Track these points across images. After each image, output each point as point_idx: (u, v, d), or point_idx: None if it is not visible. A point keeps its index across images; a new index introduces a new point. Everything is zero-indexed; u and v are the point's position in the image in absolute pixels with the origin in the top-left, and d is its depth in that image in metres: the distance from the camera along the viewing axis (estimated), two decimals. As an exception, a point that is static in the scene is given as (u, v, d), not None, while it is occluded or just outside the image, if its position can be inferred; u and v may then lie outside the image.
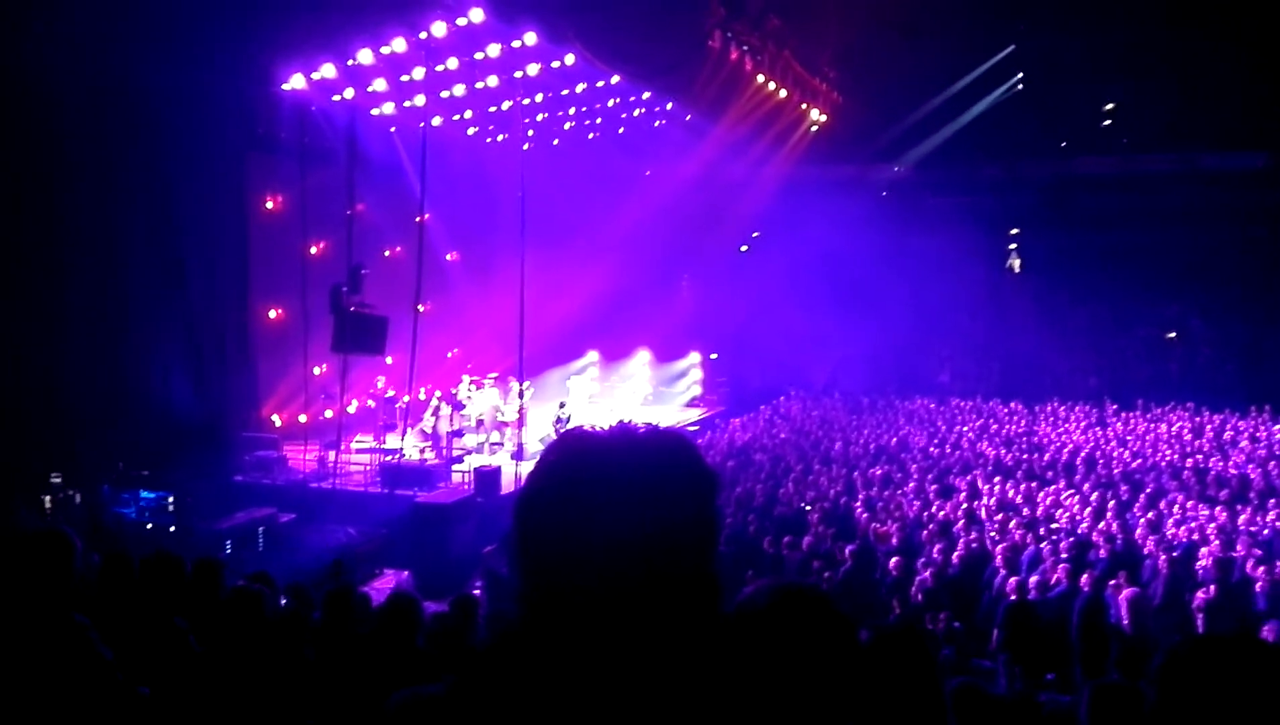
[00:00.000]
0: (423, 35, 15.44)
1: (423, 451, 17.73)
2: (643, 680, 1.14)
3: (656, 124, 22.39)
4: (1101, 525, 12.38)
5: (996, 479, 15.46)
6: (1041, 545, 11.57)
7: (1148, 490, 14.66)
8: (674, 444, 1.24)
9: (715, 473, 1.25)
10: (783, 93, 21.91)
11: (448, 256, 22.89)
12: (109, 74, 13.82)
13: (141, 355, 15.65)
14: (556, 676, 1.14)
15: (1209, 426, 20.47)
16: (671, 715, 1.14)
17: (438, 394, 19.47)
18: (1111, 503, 13.70)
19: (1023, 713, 4.36)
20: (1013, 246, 30.13)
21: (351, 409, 19.05)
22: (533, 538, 1.19)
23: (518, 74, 17.35)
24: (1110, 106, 28.08)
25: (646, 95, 20.25)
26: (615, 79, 18.46)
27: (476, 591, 10.78)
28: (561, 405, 19.52)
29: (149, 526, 13.27)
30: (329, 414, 18.25)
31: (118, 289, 15.02)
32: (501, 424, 19.40)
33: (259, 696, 3.81)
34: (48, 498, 12.82)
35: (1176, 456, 17.39)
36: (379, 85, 17.16)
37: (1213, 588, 9.77)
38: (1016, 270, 29.84)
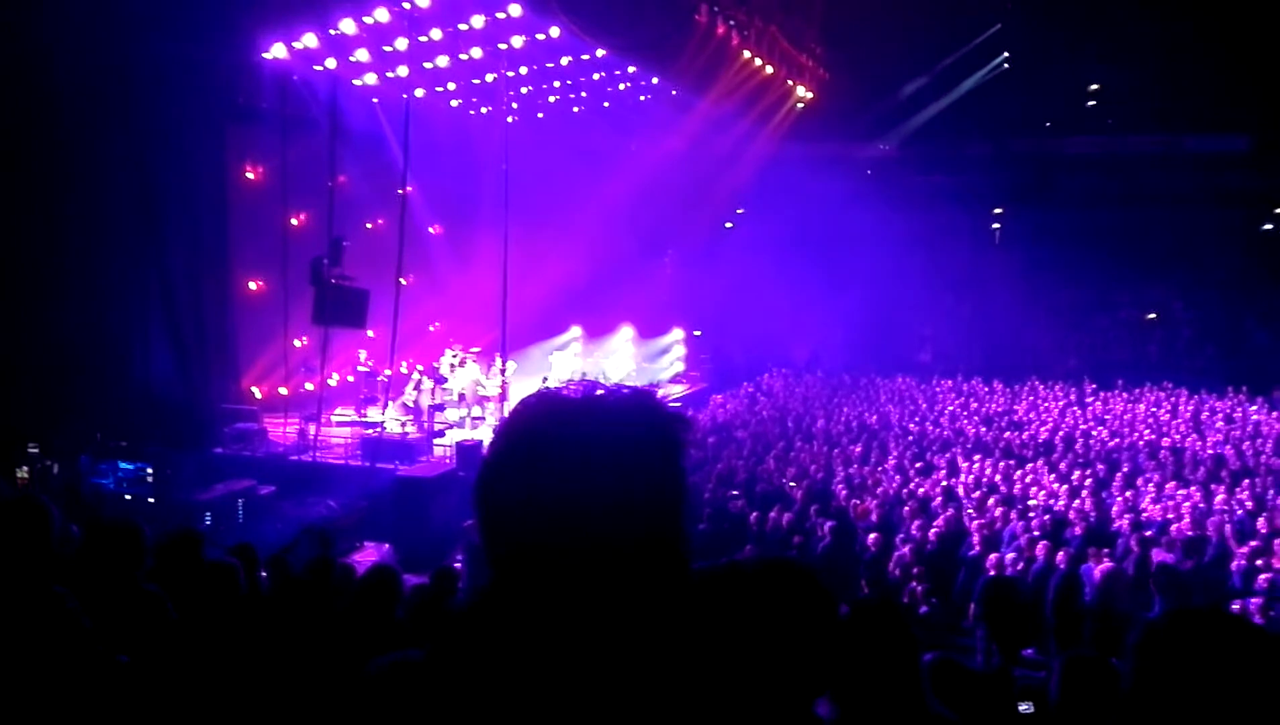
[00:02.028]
0: (406, 5, 15.26)
1: (404, 425, 17.69)
2: (613, 640, 1.13)
3: (641, 99, 22.23)
4: (1077, 503, 12.52)
5: (976, 457, 15.60)
6: (1018, 522, 11.70)
7: (1124, 469, 14.83)
8: (639, 402, 1.22)
9: (680, 431, 1.23)
10: (769, 69, 21.80)
11: (430, 229, 22.74)
12: (89, 43, 13.61)
13: (121, 326, 15.52)
14: (527, 638, 1.13)
15: (1185, 407, 20.69)
16: (644, 674, 1.14)
17: (419, 368, 19.41)
18: (1088, 481, 13.85)
19: (999, 686, 4.41)
20: (996, 226, 30.24)
21: (332, 382, 18.96)
22: (498, 497, 1.18)
23: (502, 46, 17.16)
24: (1095, 87, 28.13)
25: (632, 69, 20.09)
26: (600, 52, 18.31)
27: (458, 564, 10.81)
28: (544, 380, 19.51)
29: (127, 498, 13.20)
30: (310, 387, 18.17)
31: (96, 259, 14.86)
32: (483, 398, 19.38)
33: (236, 665, 3.80)
34: (25, 468, 12.71)
35: (1153, 436, 17.57)
36: (361, 55, 16.95)
37: (1185, 564, 9.91)
38: (997, 241, 29.97)
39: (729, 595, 1.82)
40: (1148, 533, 11.11)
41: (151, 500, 13.16)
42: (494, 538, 1.18)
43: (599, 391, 1.23)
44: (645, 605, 1.16)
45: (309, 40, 16.05)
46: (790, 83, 23.53)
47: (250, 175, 18.20)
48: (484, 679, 1.14)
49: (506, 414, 1.25)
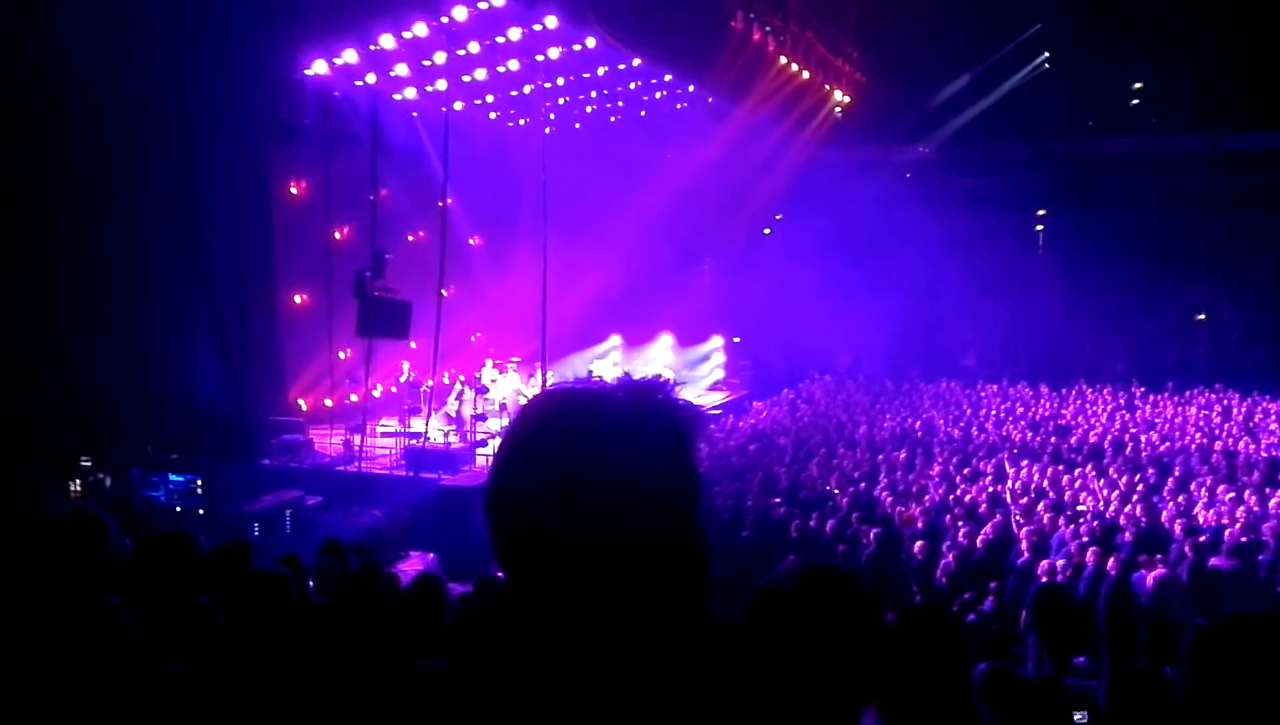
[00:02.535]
0: (444, 19, 15.43)
1: (447, 435, 17.82)
2: (628, 640, 1.12)
3: (678, 107, 22.27)
4: (1128, 509, 12.28)
5: (1023, 462, 15.37)
6: (1067, 529, 11.50)
7: (1176, 473, 14.53)
8: (647, 395, 1.21)
9: (689, 421, 1.21)
10: (805, 74, 21.74)
11: (470, 241, 22.92)
12: (133, 64, 13.88)
13: (169, 341, 15.80)
14: (541, 639, 1.12)
15: (1238, 409, 20.24)
16: (659, 675, 1.12)
17: (461, 378, 19.54)
18: (1139, 486, 13.59)
19: (1050, 695, 4.34)
20: (1039, 228, 29.84)
21: (376, 393, 19.16)
22: (505, 493, 1.17)
23: (539, 57, 17.30)
24: (1137, 86, 27.69)
25: (668, 78, 20.13)
26: (636, 62, 18.37)
27: (501, 573, 10.85)
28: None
29: (178, 509, 13.42)
30: (354, 398, 18.38)
31: (144, 276, 15.13)
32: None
33: (287, 675, 3.85)
34: (77, 481, 12.99)
35: (1205, 439, 17.21)
36: (401, 70, 17.17)
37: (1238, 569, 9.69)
38: (1040, 242, 29.58)
39: (774, 603, 1.81)
40: (1201, 538, 10.87)
41: (201, 512, 13.37)
42: (502, 536, 1.18)
43: (608, 386, 1.22)
44: (659, 601, 1.14)
45: (349, 56, 16.29)
46: (827, 87, 23.45)
47: (294, 190, 18.48)
48: (503, 681, 1.13)
49: (517, 413, 1.24)
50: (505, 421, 19.04)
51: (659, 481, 1.15)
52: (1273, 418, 19.30)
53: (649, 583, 1.14)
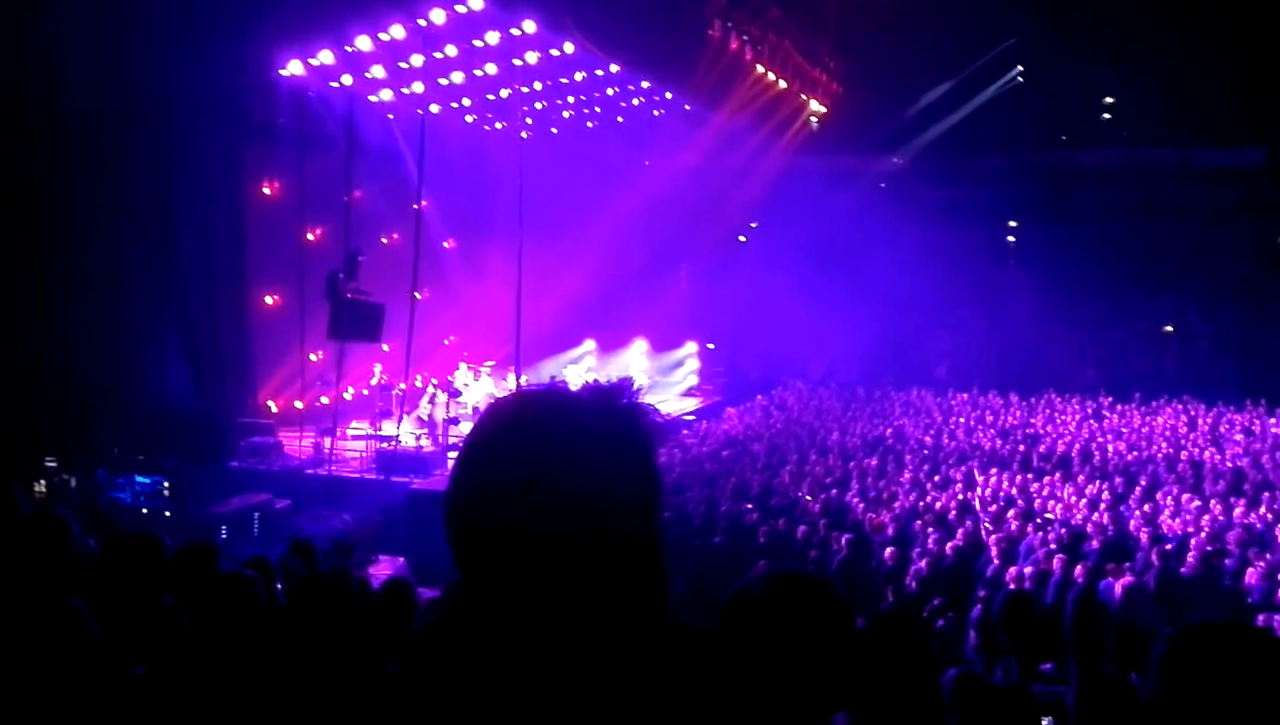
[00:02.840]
0: (421, 22, 15.37)
1: (418, 438, 17.72)
2: (586, 643, 1.11)
3: (656, 113, 22.30)
4: (1095, 517, 12.41)
5: (992, 470, 15.50)
6: (1035, 536, 11.61)
7: (1143, 483, 14.71)
8: (614, 399, 1.20)
9: (654, 427, 1.20)
10: (782, 83, 21.84)
11: (445, 244, 22.83)
12: (106, 62, 13.74)
13: (137, 340, 15.62)
14: (499, 645, 1.11)
15: (1204, 420, 20.52)
16: (621, 681, 1.11)
17: (434, 381, 19.45)
18: (1106, 495, 13.74)
19: (1018, 702, 4.38)
20: (1011, 239, 30.15)
21: (348, 396, 19.03)
22: (470, 494, 1.16)
23: (516, 62, 17.27)
24: (1110, 100, 28.06)
25: (646, 84, 20.17)
26: (614, 68, 18.39)
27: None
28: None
29: (144, 511, 13.26)
30: (325, 400, 18.23)
31: (114, 274, 14.97)
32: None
33: (252, 677, 3.80)
34: (42, 482, 12.79)
35: (1172, 449, 17.43)
36: (377, 72, 17.08)
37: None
38: (1012, 253, 29.90)
39: (746, 608, 1.81)
40: (1168, 546, 11.00)
41: (168, 514, 13.21)
42: (461, 537, 1.16)
43: (570, 391, 1.21)
44: (618, 604, 1.13)
45: (325, 57, 16.18)
46: (804, 97, 23.58)
47: (266, 191, 18.32)
48: (462, 684, 1.12)
49: (479, 416, 1.24)
50: (478, 425, 18.97)
51: (621, 484, 1.14)
52: (1238, 428, 19.59)
53: (608, 586, 1.13)
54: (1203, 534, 11.50)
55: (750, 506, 13.52)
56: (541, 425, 1.16)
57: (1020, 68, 27.63)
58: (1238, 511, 12.72)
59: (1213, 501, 13.33)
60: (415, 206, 18.13)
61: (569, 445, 1.14)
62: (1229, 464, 16.11)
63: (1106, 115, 28.27)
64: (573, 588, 1.11)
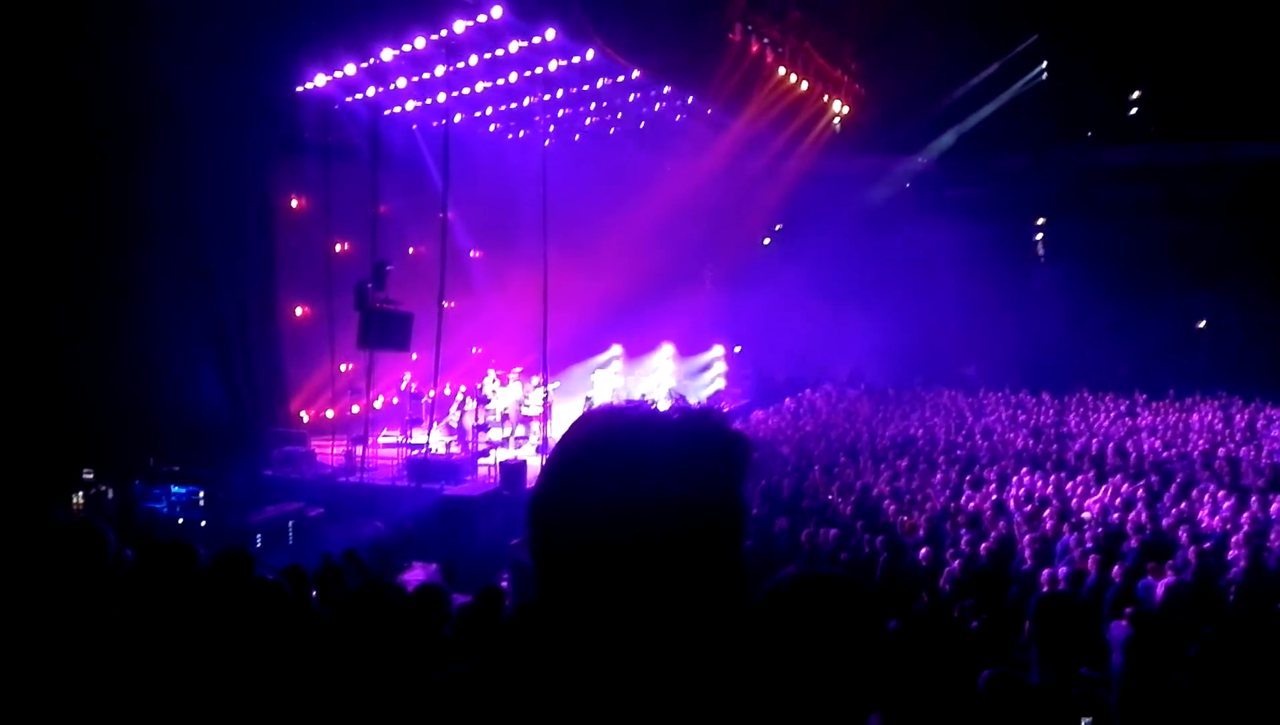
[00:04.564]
0: (443, 33, 15.47)
1: (449, 445, 17.81)
2: (660, 662, 1.12)
3: (677, 118, 22.32)
4: (1132, 515, 12.26)
5: (1024, 470, 15.35)
6: (1070, 536, 11.48)
7: (1179, 480, 14.51)
8: (702, 425, 1.21)
9: (744, 455, 1.21)
10: (804, 85, 21.79)
11: (471, 253, 22.95)
12: (135, 78, 13.94)
13: (171, 353, 15.81)
14: (572, 656, 1.13)
15: (1240, 416, 20.21)
16: (691, 700, 1.12)
17: (463, 388, 19.55)
18: (1142, 493, 13.56)
19: (1055, 703, 4.33)
20: (1038, 237, 29.88)
21: (378, 404, 19.17)
22: (554, 506, 1.17)
23: (538, 70, 17.36)
24: (1136, 95, 27.77)
25: (667, 90, 20.20)
26: (636, 74, 18.43)
27: (504, 583, 10.83)
28: (587, 399, 19.50)
29: (180, 521, 13.42)
30: (356, 409, 18.38)
31: (147, 288, 15.16)
32: (527, 418, 19.45)
33: (286, 685, 3.84)
34: (80, 494, 12.98)
35: (1207, 445, 17.18)
36: (400, 83, 17.22)
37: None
38: (1041, 257, 29.63)
39: (779, 611, 1.81)
40: (1206, 544, 10.85)
41: (204, 524, 13.37)
42: (541, 544, 1.18)
43: (659, 411, 1.22)
44: (698, 622, 1.14)
45: (349, 70, 16.35)
46: (826, 98, 23.50)
47: (295, 204, 18.53)
48: (525, 687, 1.13)
49: (568, 427, 1.25)
50: (507, 431, 19.07)
51: (704, 506, 1.15)
52: (1275, 423, 19.27)
53: (679, 603, 1.14)
54: (1241, 532, 11.31)
55: (780, 510, 13.47)
56: (629, 442, 1.17)
57: (1044, 65, 27.41)
58: (1275, 507, 12.50)
59: (1251, 498, 13.11)
60: (441, 216, 18.25)
61: (655, 464, 1.14)
62: (1266, 460, 15.85)
63: (1132, 111, 27.98)
64: (646, 604, 1.12)
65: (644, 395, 21.21)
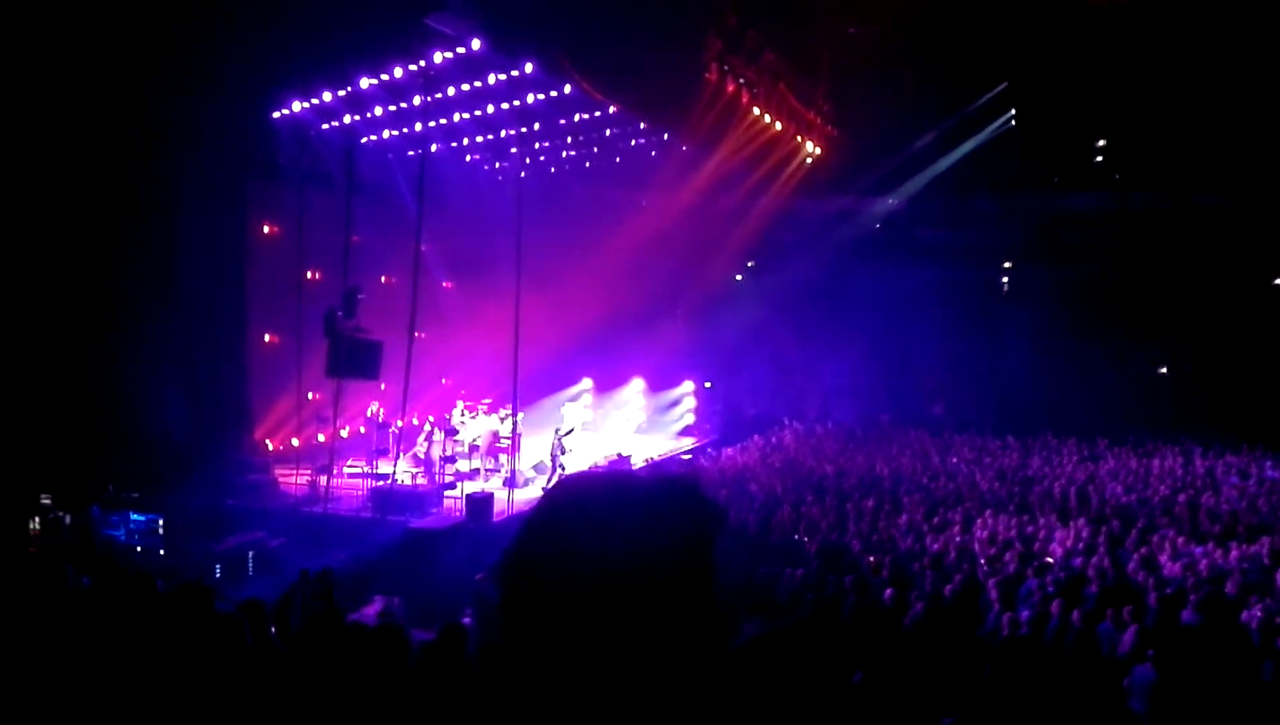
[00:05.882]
0: (421, 64, 15.55)
1: (415, 477, 17.66)
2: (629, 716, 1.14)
3: (653, 154, 22.53)
4: (1094, 560, 12.36)
5: (988, 512, 15.46)
6: (1033, 580, 11.55)
7: (1140, 525, 14.66)
8: (674, 488, 1.24)
9: (718, 523, 1.24)
10: (778, 125, 22.08)
11: (444, 284, 22.92)
12: (111, 100, 13.88)
13: (135, 377, 15.61)
14: (541, 704, 1.14)
15: (1200, 462, 20.51)
16: None
17: (430, 419, 19.44)
18: (1103, 537, 13.69)
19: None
20: (1004, 280, 30.31)
21: (344, 433, 19.00)
22: (522, 568, 1.19)
23: (515, 103, 17.47)
24: (1101, 143, 28.35)
25: (643, 126, 20.39)
26: (613, 109, 18.60)
27: (467, 620, 10.71)
28: (556, 432, 19.33)
29: (139, 549, 13.19)
30: (321, 438, 18.21)
31: (113, 311, 15.01)
32: (497, 450, 19.33)
33: (242, 720, 3.78)
34: (36, 519, 12.73)
35: (1168, 491, 17.40)
36: (377, 112, 17.27)
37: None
38: (1004, 294, 30.05)
39: (743, 673, 1.81)
40: (1168, 590, 10.96)
41: (162, 552, 13.15)
42: (511, 604, 1.19)
43: (638, 481, 1.25)
44: (668, 674, 1.16)
45: (326, 97, 16.37)
46: (799, 139, 23.81)
47: (267, 230, 18.44)
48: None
49: (538, 502, 1.28)
50: (475, 463, 18.95)
51: (675, 568, 1.17)
52: (1234, 471, 19.57)
53: (656, 656, 1.15)
54: (1201, 577, 11.45)
55: (747, 548, 13.46)
56: (603, 505, 1.20)
57: (1013, 111, 27.94)
58: (1234, 554, 12.67)
59: (1210, 543, 13.28)
60: (414, 246, 18.22)
61: (628, 526, 1.17)
62: (1225, 506, 16.07)
63: (1098, 159, 28.56)
64: (612, 662, 1.14)
65: (620, 454, 21.21)
